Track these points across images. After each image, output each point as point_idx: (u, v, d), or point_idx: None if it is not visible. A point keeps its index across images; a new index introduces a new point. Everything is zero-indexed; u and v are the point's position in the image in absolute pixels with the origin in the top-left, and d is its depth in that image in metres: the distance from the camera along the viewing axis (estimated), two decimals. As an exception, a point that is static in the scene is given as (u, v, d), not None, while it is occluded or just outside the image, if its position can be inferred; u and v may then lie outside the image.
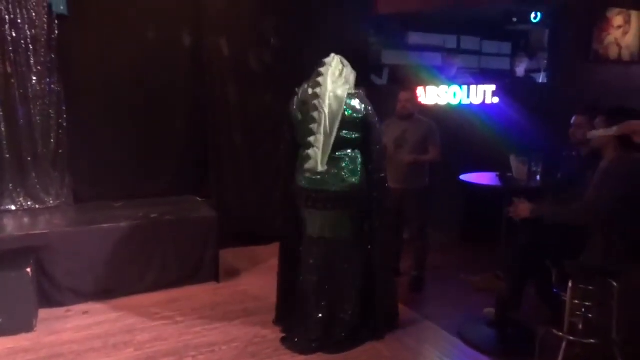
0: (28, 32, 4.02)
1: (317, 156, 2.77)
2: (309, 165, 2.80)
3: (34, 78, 4.09)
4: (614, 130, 2.58)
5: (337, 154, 2.89)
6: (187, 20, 4.62)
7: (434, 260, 4.28)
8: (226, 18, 4.67)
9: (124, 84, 4.44)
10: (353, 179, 2.90)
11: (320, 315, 3.05)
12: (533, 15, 5.29)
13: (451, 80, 5.13)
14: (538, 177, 3.32)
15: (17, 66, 4.02)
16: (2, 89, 4.00)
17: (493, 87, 4.88)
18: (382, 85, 5.49)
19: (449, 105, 4.88)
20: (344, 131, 2.88)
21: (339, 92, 2.84)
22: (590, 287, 2.68)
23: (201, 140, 4.82)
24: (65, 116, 4.24)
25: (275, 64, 4.91)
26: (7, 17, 3.94)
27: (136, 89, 4.50)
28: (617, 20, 5.66)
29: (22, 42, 4.01)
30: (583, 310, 2.74)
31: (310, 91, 2.86)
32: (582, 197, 2.70)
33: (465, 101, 4.90)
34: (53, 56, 4.13)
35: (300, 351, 3.00)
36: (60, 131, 4.25)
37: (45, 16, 4.05)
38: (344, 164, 2.89)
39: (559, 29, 5.45)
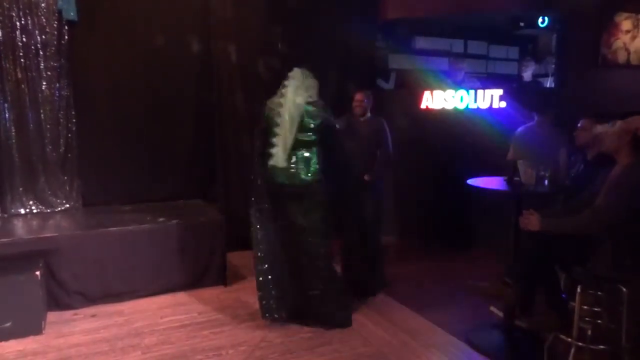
0: (38, 38, 4.07)
1: (278, 153, 3.29)
2: (272, 161, 3.33)
3: (44, 83, 4.13)
4: (617, 125, 2.56)
5: (294, 153, 3.32)
6: (195, 27, 4.66)
7: (441, 267, 4.26)
8: (234, 25, 4.69)
9: (132, 89, 4.48)
10: (304, 176, 3.33)
11: (289, 291, 3.42)
12: (541, 19, 5.28)
13: (458, 85, 5.12)
14: (546, 182, 3.30)
15: (27, 71, 4.07)
16: (13, 93, 4.05)
17: (500, 92, 4.86)
18: (389, 89, 5.49)
19: (455, 109, 4.87)
20: (300, 134, 3.31)
21: (298, 100, 3.34)
22: (600, 293, 2.65)
23: (208, 145, 4.83)
24: (74, 121, 4.29)
25: (283, 70, 4.91)
26: (17, 23, 4.00)
27: (145, 95, 4.54)
28: (626, 24, 5.64)
29: (33, 47, 4.06)
30: (592, 316, 2.71)
31: (275, 100, 3.42)
32: (591, 203, 2.68)
33: (473, 105, 4.89)
34: (63, 61, 4.17)
35: (282, 315, 3.37)
36: (70, 135, 4.29)
37: (56, 22, 4.10)
38: (299, 164, 3.33)
39: (566, 34, 5.43)
